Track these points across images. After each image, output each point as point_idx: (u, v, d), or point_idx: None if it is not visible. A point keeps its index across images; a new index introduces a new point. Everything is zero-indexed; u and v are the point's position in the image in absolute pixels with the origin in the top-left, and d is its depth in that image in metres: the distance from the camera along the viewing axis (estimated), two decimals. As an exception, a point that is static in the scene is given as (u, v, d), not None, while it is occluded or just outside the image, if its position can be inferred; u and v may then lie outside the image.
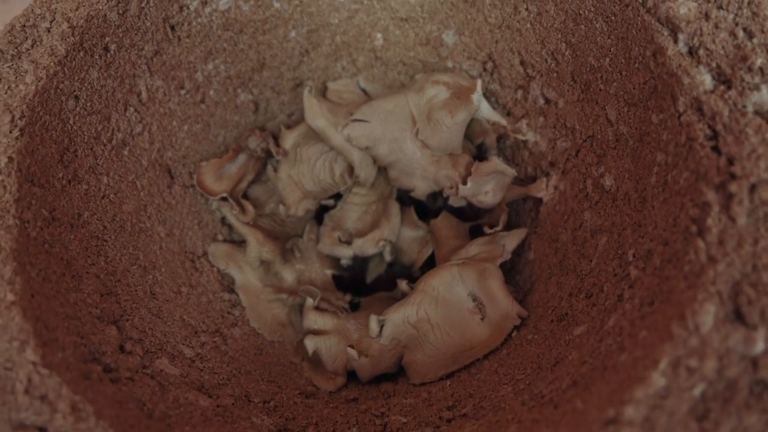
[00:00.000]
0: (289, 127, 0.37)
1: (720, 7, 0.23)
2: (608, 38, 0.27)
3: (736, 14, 0.23)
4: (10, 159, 0.24)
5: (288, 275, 0.35)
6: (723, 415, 0.17)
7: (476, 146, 0.36)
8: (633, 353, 0.20)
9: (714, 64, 0.22)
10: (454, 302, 0.31)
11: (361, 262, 0.39)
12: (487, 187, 0.33)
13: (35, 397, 0.20)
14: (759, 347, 0.17)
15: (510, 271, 0.34)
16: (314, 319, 0.32)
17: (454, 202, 0.35)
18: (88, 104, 0.28)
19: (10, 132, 0.24)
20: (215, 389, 0.26)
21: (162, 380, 0.25)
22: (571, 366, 0.23)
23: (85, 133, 0.28)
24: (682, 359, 0.17)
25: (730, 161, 0.20)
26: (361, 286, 0.39)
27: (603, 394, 0.19)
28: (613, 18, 0.26)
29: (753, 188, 0.19)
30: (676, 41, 0.23)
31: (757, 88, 0.21)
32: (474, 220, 0.37)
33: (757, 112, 0.21)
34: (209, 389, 0.26)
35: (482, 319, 0.30)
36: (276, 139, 0.36)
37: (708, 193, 0.20)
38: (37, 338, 0.21)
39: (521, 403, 0.23)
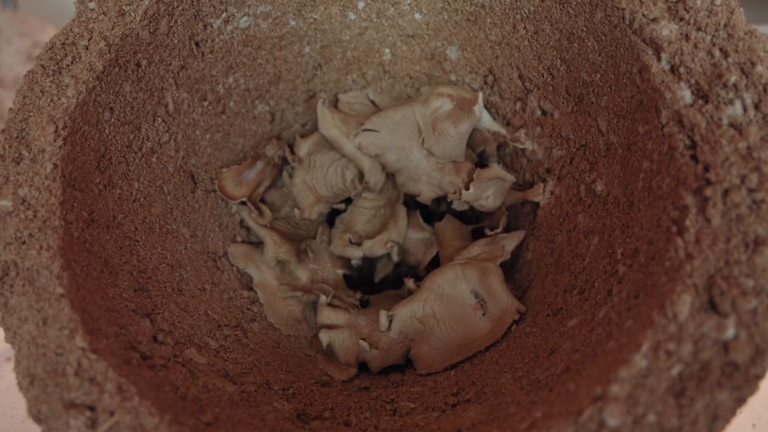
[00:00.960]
0: (303, 136, 0.39)
1: (699, 29, 0.25)
2: (599, 56, 0.29)
3: (714, 36, 0.24)
4: (55, 165, 0.26)
5: (302, 274, 0.37)
6: (698, 392, 0.19)
7: (478, 154, 0.38)
8: (619, 340, 0.22)
9: (693, 81, 0.24)
10: (458, 299, 0.33)
11: (370, 263, 0.40)
12: (488, 192, 0.35)
13: (85, 379, 0.22)
14: (730, 333, 0.19)
15: (509, 270, 0.36)
16: (328, 315, 0.34)
17: (457, 206, 0.37)
18: (122, 115, 0.30)
19: (54, 141, 0.26)
20: (239, 377, 0.28)
21: (192, 368, 0.27)
22: (565, 354, 0.25)
23: (119, 141, 0.30)
24: (661, 343, 0.19)
25: (706, 168, 0.22)
26: (370, 285, 0.40)
27: (592, 376, 0.21)
28: (603, 37, 0.28)
29: (726, 193, 0.21)
30: (659, 60, 0.25)
31: (731, 102, 0.23)
32: (476, 222, 0.39)
33: (731, 124, 0.23)
34: (234, 377, 0.28)
35: (484, 314, 0.32)
36: (291, 147, 0.38)
37: (686, 197, 0.22)
38: (84, 327, 0.23)
39: (520, 388, 0.25)
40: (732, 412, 0.19)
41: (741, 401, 0.19)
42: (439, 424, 0.25)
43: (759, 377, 0.19)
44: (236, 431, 0.23)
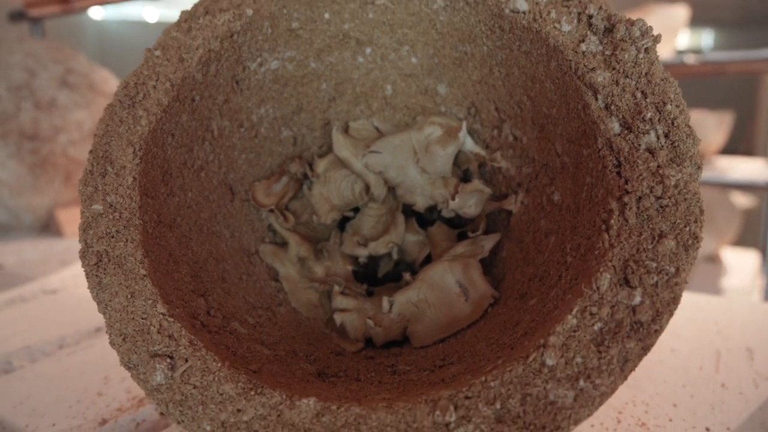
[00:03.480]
0: (320, 156, 0.45)
1: (626, 77, 0.31)
2: (555, 95, 0.35)
3: (637, 81, 0.31)
4: (134, 178, 0.32)
5: (318, 269, 0.43)
6: (613, 342, 0.25)
7: (463, 171, 0.43)
8: (561, 309, 0.28)
9: (621, 116, 0.30)
10: (445, 288, 0.39)
11: (374, 261, 0.46)
12: (470, 202, 0.41)
13: (165, 336, 0.28)
14: (637, 300, 0.26)
15: (488, 265, 0.41)
16: (340, 301, 0.40)
17: (445, 213, 0.42)
18: (179, 139, 0.37)
19: (133, 159, 0.33)
20: (272, 345, 0.35)
21: (237, 336, 0.33)
22: (525, 324, 0.31)
23: (177, 160, 0.37)
24: (587, 307, 0.26)
25: (626, 181, 0.28)
26: (374, 279, 0.46)
27: (540, 335, 0.27)
28: (557, 81, 0.34)
29: (639, 199, 0.28)
30: (596, 99, 0.31)
31: (647, 132, 0.29)
32: (461, 227, 0.44)
33: (647, 149, 0.29)
34: (268, 345, 0.34)
35: (466, 300, 0.38)
36: (310, 165, 0.44)
37: (612, 203, 0.28)
38: (162, 299, 0.29)
39: (491, 351, 0.31)
40: (639, 357, 0.25)
41: (646, 349, 0.25)
42: (428, 378, 0.31)
43: (658, 332, 0.25)
44: (275, 379, 0.29)
